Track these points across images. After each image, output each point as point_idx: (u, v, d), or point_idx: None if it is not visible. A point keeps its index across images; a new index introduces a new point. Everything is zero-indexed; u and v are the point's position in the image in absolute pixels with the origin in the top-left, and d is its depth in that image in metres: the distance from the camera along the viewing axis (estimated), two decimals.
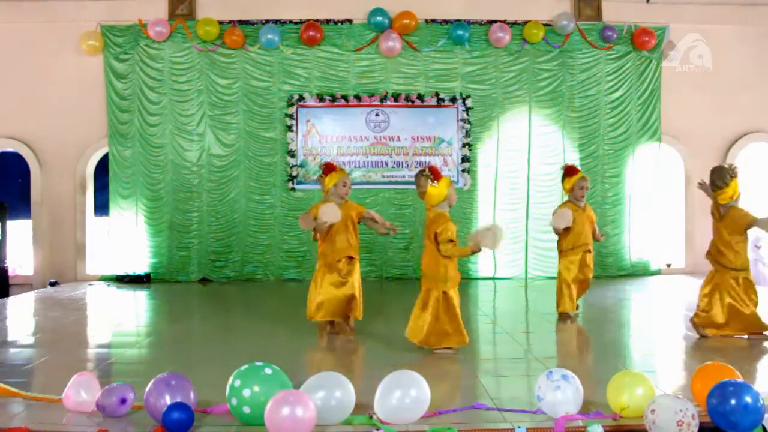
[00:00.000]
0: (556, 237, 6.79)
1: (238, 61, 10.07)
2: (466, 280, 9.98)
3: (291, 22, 9.99)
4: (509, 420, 3.40)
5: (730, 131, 10.52)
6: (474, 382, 4.33)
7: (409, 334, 5.03)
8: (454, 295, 4.94)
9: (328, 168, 5.74)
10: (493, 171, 10.26)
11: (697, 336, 5.55)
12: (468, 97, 10.14)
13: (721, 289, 5.53)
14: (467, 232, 10.22)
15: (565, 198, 6.75)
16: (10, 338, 6.05)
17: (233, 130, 10.12)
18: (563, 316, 6.52)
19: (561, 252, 6.66)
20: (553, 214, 6.57)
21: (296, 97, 10.05)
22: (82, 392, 3.56)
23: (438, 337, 4.94)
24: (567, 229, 6.48)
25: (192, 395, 3.42)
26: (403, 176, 10.18)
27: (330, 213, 5.41)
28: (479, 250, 4.76)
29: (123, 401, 3.43)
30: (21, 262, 10.75)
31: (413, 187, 10.16)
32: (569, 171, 6.57)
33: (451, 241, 4.82)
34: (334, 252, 5.56)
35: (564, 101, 10.28)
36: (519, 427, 3.21)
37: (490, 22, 10.05)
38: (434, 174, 4.91)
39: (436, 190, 4.89)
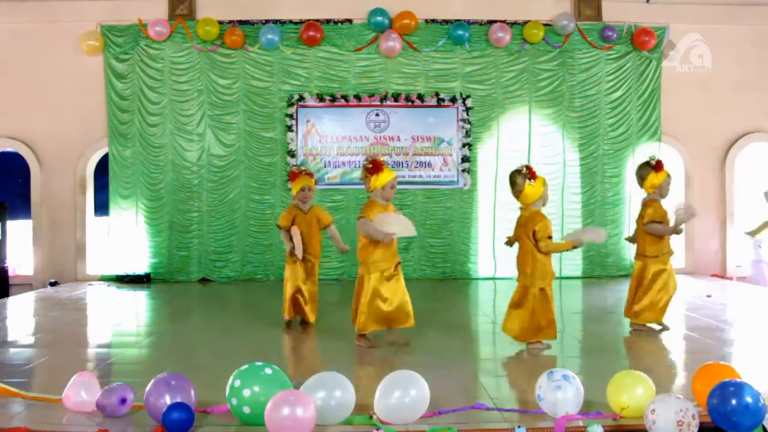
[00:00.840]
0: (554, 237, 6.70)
1: (238, 61, 10.07)
2: (467, 280, 10.00)
3: (291, 22, 9.99)
4: (509, 420, 3.40)
5: (730, 131, 10.52)
6: (474, 382, 4.33)
7: (504, 329, 5.27)
8: (550, 291, 5.14)
9: (375, 166, 5.13)
10: (493, 171, 10.25)
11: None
12: (468, 97, 10.14)
13: None
14: (468, 232, 10.24)
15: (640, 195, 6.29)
16: (10, 338, 6.04)
17: (233, 130, 10.12)
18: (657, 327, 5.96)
19: (656, 257, 5.89)
20: (673, 213, 5.96)
21: (296, 97, 10.05)
22: (82, 392, 3.56)
23: (533, 331, 5.14)
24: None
25: (192, 395, 3.42)
26: (403, 176, 10.16)
27: (407, 227, 5.02)
28: (581, 244, 5.12)
29: (123, 401, 3.43)
30: (21, 262, 10.74)
31: (413, 187, 10.22)
32: (659, 166, 6.01)
33: (549, 237, 5.04)
34: (393, 258, 5.20)
35: (564, 101, 10.28)
36: (519, 427, 3.21)
37: (490, 22, 10.05)
38: (531, 173, 5.03)
39: (533, 188, 5.03)
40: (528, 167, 5.08)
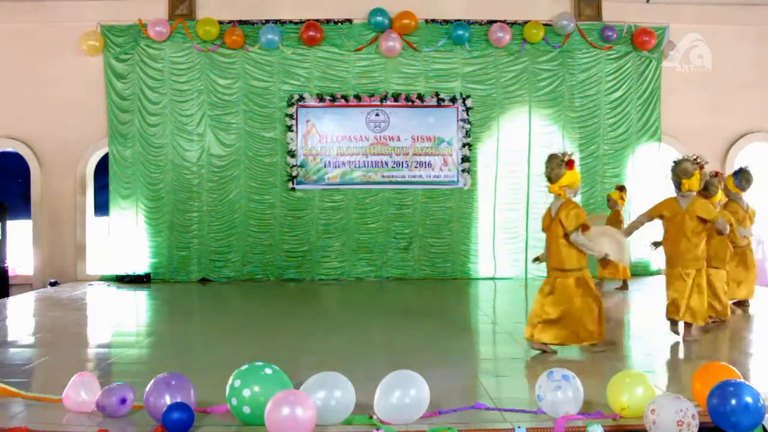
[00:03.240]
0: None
1: (238, 61, 10.06)
2: (467, 280, 10.00)
3: (291, 22, 9.99)
4: (509, 420, 3.40)
5: (730, 131, 10.52)
6: (474, 382, 4.33)
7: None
8: None
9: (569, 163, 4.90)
10: (493, 171, 10.25)
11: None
12: (468, 97, 10.14)
13: None
14: (468, 232, 10.24)
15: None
16: (10, 338, 6.05)
17: (233, 130, 10.11)
18: None
19: None
20: None
21: (296, 97, 10.04)
22: (82, 392, 3.56)
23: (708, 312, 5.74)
24: None
25: (192, 395, 3.42)
26: (403, 176, 10.17)
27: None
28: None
29: (123, 401, 3.43)
30: (21, 262, 10.75)
31: (413, 187, 10.22)
32: None
33: None
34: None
35: (564, 101, 10.28)
36: (519, 427, 3.21)
37: (490, 22, 10.05)
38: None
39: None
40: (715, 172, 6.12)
